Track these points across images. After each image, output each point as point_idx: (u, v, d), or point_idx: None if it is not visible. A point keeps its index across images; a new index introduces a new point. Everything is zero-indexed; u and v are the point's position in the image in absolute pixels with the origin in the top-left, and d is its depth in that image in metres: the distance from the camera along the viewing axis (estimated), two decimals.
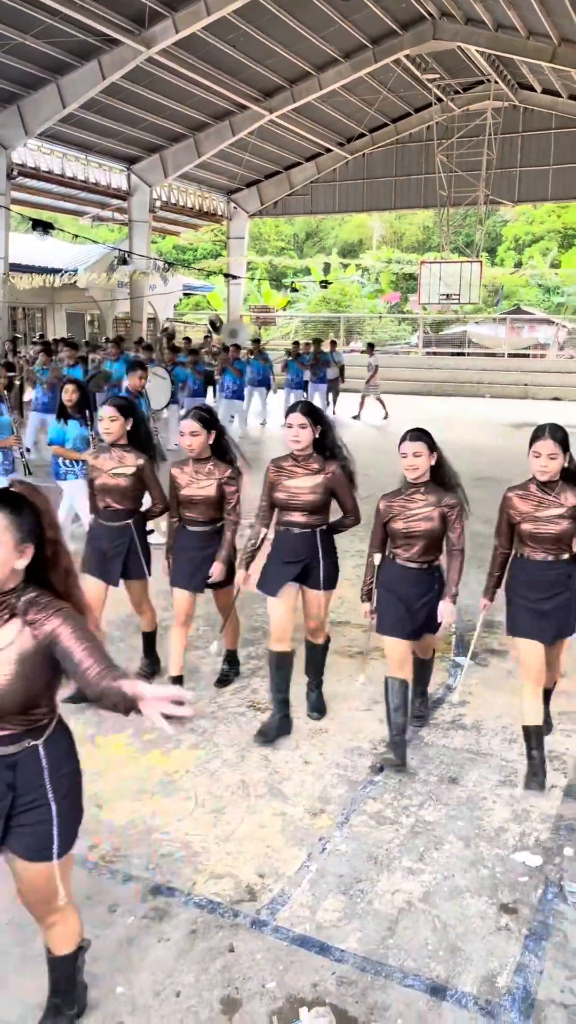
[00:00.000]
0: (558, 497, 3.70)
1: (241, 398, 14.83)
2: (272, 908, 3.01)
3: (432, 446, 3.88)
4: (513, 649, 4.40)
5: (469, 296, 24.08)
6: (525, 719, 3.78)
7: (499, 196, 24.43)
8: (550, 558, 3.75)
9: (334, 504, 4.25)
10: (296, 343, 19.69)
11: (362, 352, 22.20)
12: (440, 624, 3.94)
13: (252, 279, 34.06)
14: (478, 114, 23.02)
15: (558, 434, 3.67)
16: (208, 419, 4.38)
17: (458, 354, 27.58)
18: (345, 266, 38.39)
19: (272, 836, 3.42)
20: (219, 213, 26.42)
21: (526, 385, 23.73)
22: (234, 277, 26.51)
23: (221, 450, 4.45)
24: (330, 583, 4.26)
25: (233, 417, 14.43)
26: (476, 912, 3.00)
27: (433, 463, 3.86)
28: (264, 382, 16.42)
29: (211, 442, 4.39)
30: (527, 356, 27.41)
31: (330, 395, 18.01)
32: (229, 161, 23.29)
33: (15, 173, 17.85)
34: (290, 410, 4.13)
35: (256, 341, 18.34)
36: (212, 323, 25.88)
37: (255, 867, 3.23)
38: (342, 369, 18.63)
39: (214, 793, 3.72)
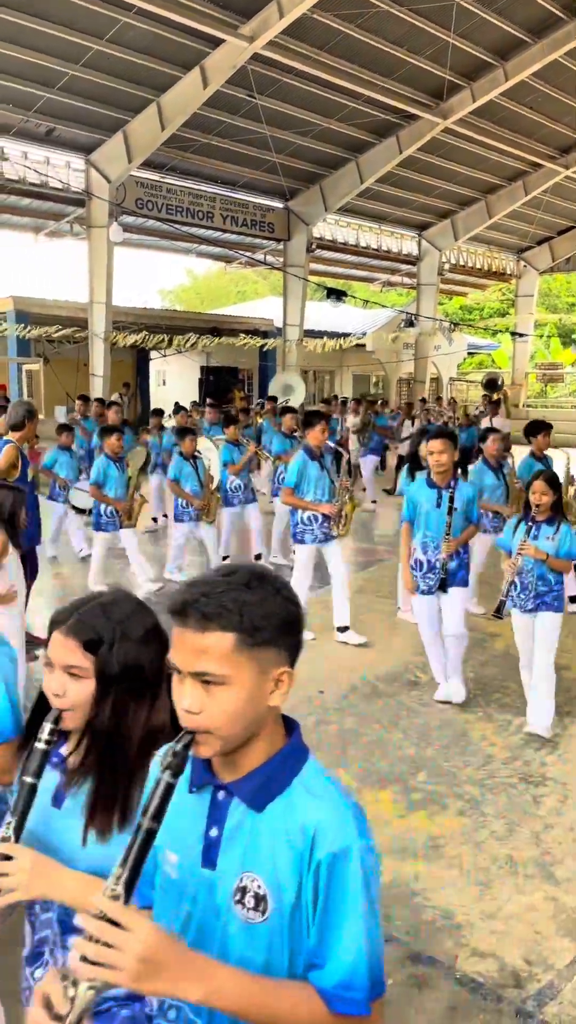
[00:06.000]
0: None
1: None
2: (539, 999, 2.80)
3: None
4: None
5: None
6: None
7: None
8: None
9: None
10: (374, 401, 16.74)
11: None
12: None
13: (541, 336, 33.29)
14: None
15: None
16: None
17: None
18: None
19: (542, 922, 3.20)
20: (508, 272, 26.26)
21: None
22: (521, 335, 26.10)
23: None
24: None
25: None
26: None
27: None
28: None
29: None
30: None
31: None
32: (520, 220, 23.14)
33: (314, 246, 19.24)
34: None
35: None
36: (491, 381, 25.55)
37: (522, 952, 3.03)
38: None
39: (480, 865, 3.56)
